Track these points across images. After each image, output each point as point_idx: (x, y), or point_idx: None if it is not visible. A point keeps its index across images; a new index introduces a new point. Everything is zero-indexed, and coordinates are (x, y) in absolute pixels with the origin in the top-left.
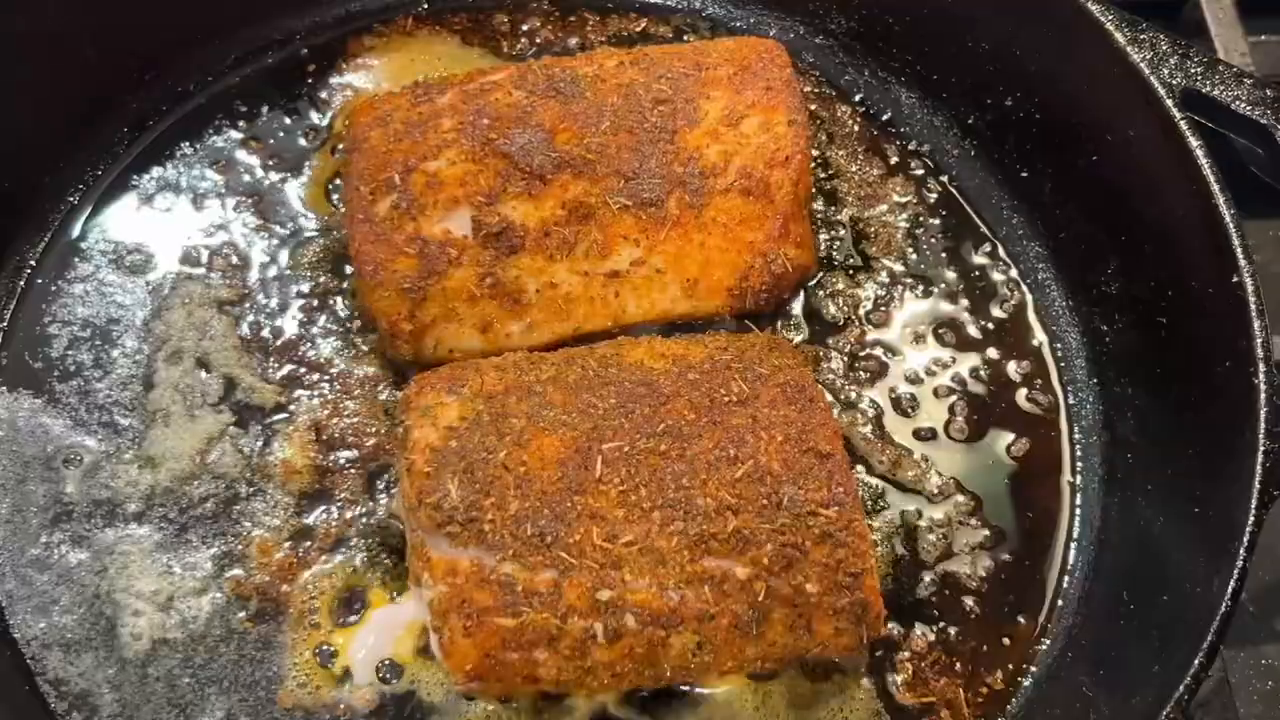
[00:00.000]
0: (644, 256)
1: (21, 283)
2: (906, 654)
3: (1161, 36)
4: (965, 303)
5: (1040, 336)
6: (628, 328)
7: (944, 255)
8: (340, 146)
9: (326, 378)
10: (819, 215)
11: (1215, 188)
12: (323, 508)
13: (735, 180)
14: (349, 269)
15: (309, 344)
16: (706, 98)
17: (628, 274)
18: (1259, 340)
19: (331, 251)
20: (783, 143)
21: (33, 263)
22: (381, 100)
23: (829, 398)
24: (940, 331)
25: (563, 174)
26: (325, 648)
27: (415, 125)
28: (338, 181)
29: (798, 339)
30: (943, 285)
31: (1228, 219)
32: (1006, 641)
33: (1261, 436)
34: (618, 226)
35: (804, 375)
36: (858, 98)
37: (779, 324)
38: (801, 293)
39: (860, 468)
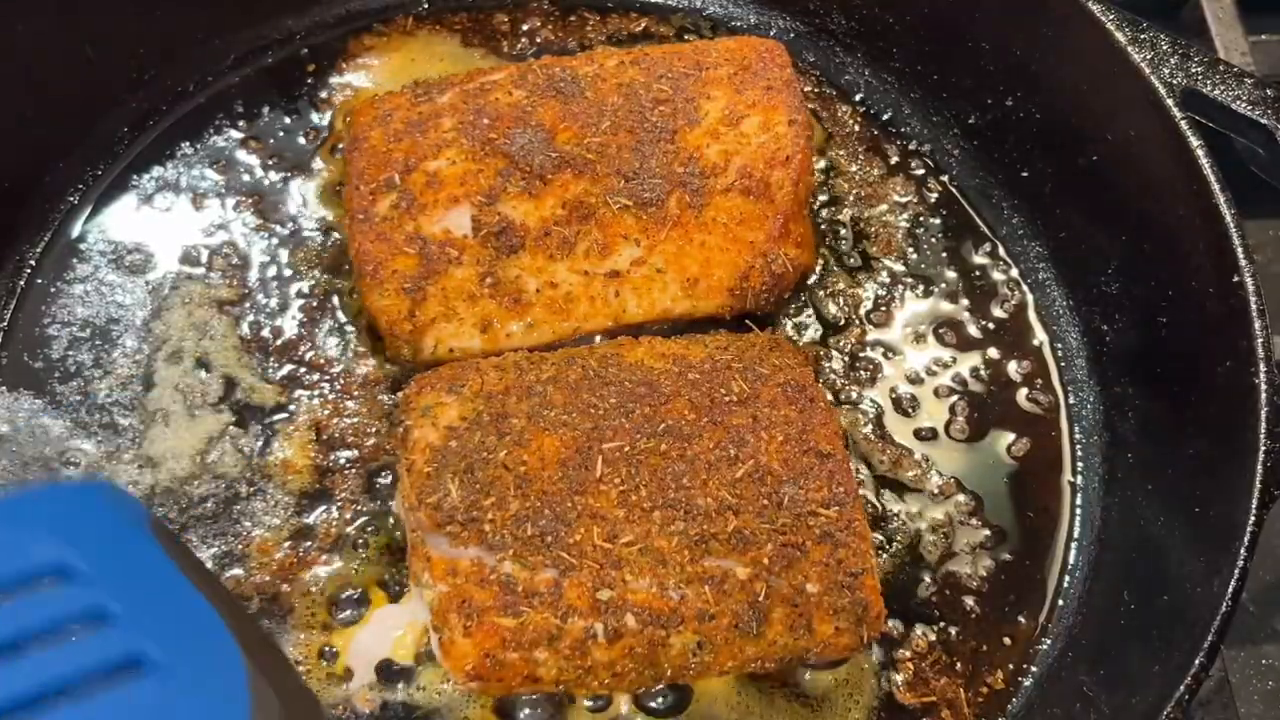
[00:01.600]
0: (644, 256)
1: (21, 283)
2: (907, 654)
3: (1162, 36)
4: (965, 302)
5: (1040, 336)
6: (628, 327)
7: (944, 255)
8: (340, 146)
9: (326, 378)
10: (819, 215)
11: (1215, 188)
12: (323, 508)
13: (735, 180)
14: (349, 269)
15: (309, 344)
16: (707, 97)
17: (628, 273)
18: (1259, 340)
19: (331, 251)
20: (783, 142)
21: (33, 263)
22: (381, 100)
23: (829, 398)
24: (940, 331)
25: (563, 173)
26: (326, 648)
27: (415, 125)
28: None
29: (798, 339)
30: (943, 285)
31: (1228, 219)
32: (1007, 641)
33: (1262, 436)
34: (618, 226)
35: (804, 375)
36: (858, 98)
37: (779, 324)
38: (802, 293)
39: (860, 468)
